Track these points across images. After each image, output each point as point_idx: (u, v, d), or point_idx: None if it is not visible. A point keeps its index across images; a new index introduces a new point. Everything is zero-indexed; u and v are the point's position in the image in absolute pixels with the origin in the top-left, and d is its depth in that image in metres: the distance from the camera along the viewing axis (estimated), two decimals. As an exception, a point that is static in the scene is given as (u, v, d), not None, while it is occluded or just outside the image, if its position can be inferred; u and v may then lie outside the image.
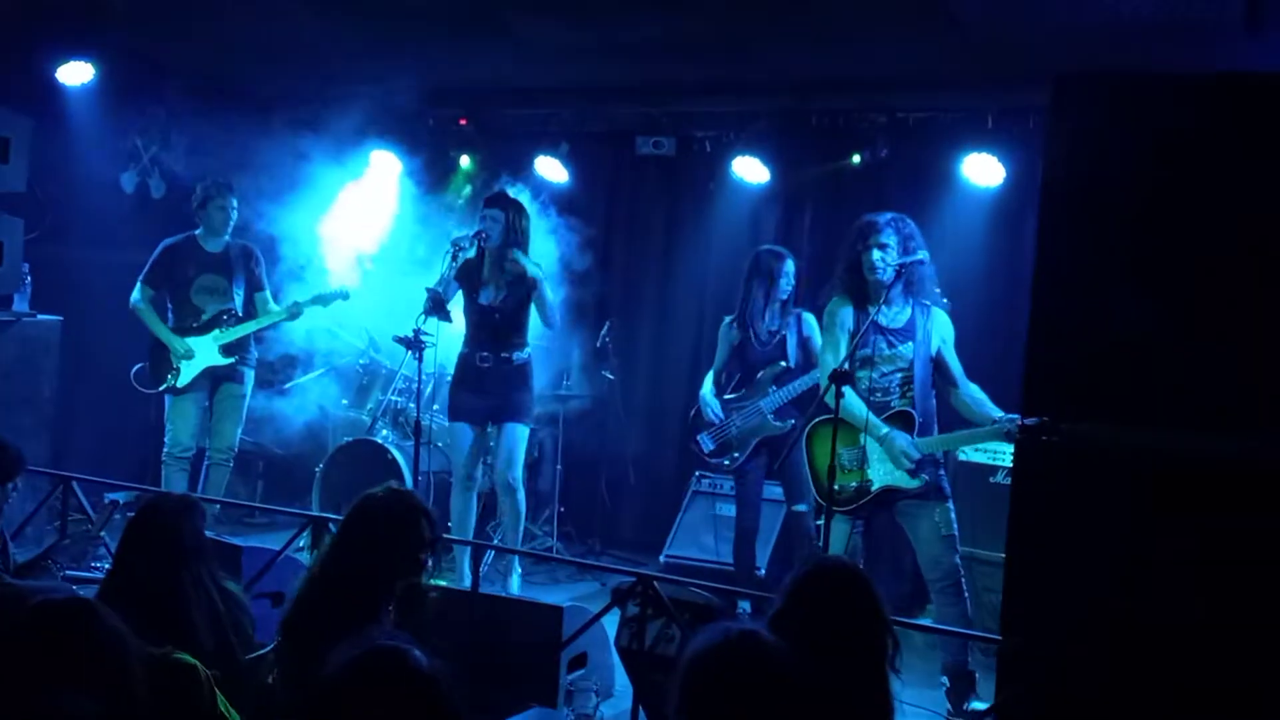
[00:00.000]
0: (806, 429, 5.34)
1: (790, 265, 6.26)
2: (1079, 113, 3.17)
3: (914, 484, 5.07)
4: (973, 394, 5.17)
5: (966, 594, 5.10)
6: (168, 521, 3.52)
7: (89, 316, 7.44)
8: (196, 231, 6.96)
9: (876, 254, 5.09)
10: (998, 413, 5.04)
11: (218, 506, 6.78)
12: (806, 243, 7.63)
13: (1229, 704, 2.88)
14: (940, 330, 5.18)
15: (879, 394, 5.12)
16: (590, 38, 6.62)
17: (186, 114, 7.41)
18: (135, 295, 6.93)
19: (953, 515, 5.11)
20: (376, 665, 2.02)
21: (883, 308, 5.10)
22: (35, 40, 7.10)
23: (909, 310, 5.15)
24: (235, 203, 6.93)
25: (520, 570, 6.60)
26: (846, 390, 4.97)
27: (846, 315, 5.21)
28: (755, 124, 7.52)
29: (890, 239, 5.12)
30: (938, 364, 5.19)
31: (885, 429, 5.08)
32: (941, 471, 5.20)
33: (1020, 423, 3.27)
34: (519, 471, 6.38)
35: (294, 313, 7.04)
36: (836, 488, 5.10)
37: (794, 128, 7.50)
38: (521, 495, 6.42)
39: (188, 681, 2.77)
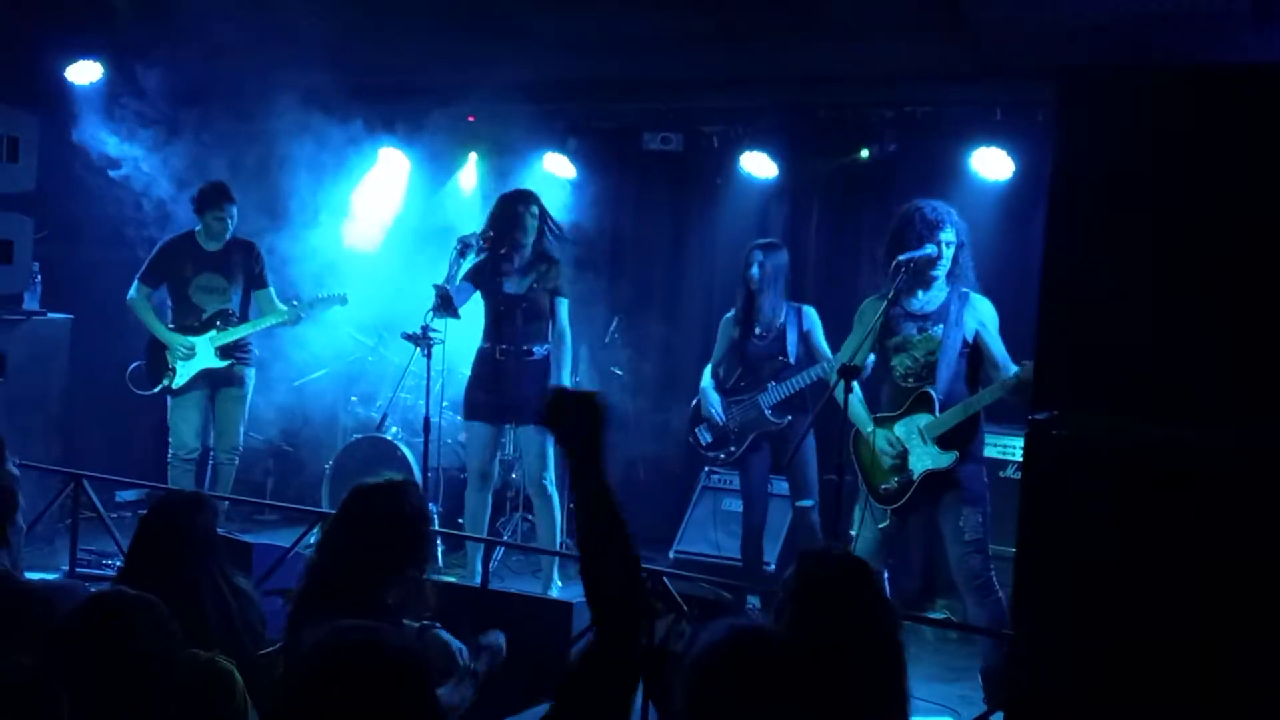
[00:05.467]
0: (851, 434, 5.30)
1: (758, 255, 6.20)
2: (1086, 106, 3.16)
3: (948, 460, 5.00)
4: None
5: (999, 595, 5.01)
6: (179, 519, 3.53)
7: (99, 315, 7.45)
8: (196, 229, 6.94)
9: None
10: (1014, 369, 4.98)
11: (226, 503, 6.79)
12: (815, 237, 7.61)
13: (1239, 700, 2.87)
14: (979, 315, 5.11)
15: (912, 379, 5.12)
16: (597, 33, 6.62)
17: (194, 113, 7.42)
18: (131, 292, 6.91)
19: (979, 519, 5.01)
20: (347, 646, 2.02)
21: (917, 293, 5.09)
22: (43, 39, 7.11)
23: (944, 295, 5.12)
24: (234, 211, 6.86)
25: (559, 581, 6.44)
26: (854, 387, 5.06)
27: (872, 309, 5.21)
28: (763, 119, 7.51)
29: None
30: (976, 349, 5.12)
31: (869, 427, 5.13)
32: (979, 470, 5.12)
33: (1030, 418, 3.26)
34: (551, 474, 6.31)
35: (293, 317, 7.02)
36: (883, 488, 5.11)
37: (802, 123, 7.49)
38: (556, 499, 6.34)
39: (224, 686, 2.80)
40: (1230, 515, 2.90)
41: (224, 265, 6.92)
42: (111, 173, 7.44)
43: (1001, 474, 6.14)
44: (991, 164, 6.79)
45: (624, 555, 2.26)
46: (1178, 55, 5.21)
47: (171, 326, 6.90)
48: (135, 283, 6.92)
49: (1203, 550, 2.92)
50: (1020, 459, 5.63)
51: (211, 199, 6.84)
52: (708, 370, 6.46)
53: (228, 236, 6.91)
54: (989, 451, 6.21)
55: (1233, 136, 2.99)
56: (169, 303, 6.98)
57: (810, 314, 6.27)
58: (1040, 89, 6.10)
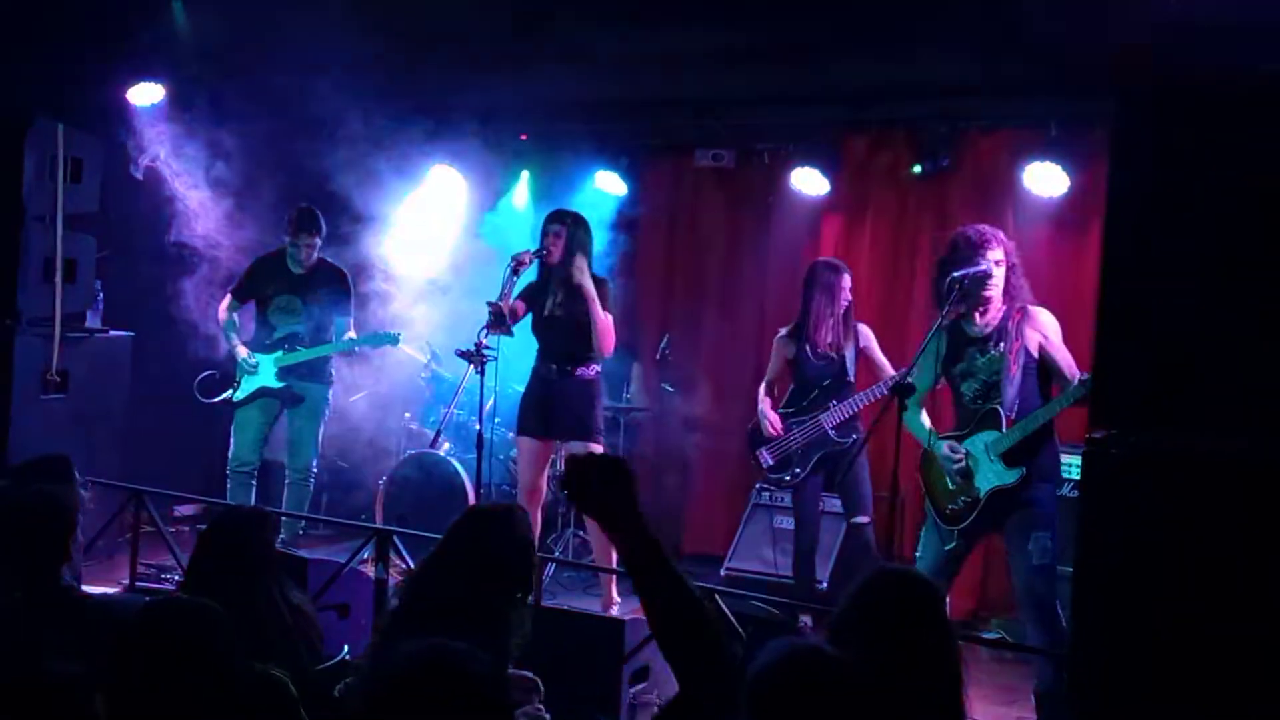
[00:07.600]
0: (921, 456, 5.27)
1: (847, 278, 6.22)
2: (1144, 122, 3.13)
3: (1013, 476, 4.94)
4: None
5: (1062, 619, 4.87)
6: (239, 534, 3.58)
7: (157, 333, 7.57)
8: (289, 247, 7.05)
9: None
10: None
11: (304, 523, 6.89)
12: (867, 254, 7.58)
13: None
14: (1041, 328, 5.05)
15: (980, 400, 5.08)
16: (648, 50, 6.64)
17: (252, 134, 7.52)
18: (224, 305, 7.09)
19: (1048, 543, 4.90)
20: (432, 666, 2.03)
21: (974, 316, 5.07)
22: (106, 62, 7.24)
23: (1002, 314, 5.06)
24: (314, 241, 6.97)
25: (619, 597, 6.38)
26: (911, 406, 5.04)
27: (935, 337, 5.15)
28: (814, 135, 7.49)
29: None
30: (1043, 363, 5.05)
31: (927, 437, 5.11)
32: (1051, 490, 5.04)
33: (1088, 436, 3.22)
34: None
35: (348, 351, 7.09)
36: (949, 509, 5.06)
37: (853, 138, 7.48)
38: None
39: (279, 699, 2.83)
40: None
41: (304, 288, 7.01)
42: (170, 191, 7.56)
43: (1059, 493, 6.05)
44: (1045, 180, 6.73)
45: (708, 636, 2.27)
46: (1242, 71, 5.14)
47: (247, 342, 7.05)
48: (228, 295, 7.12)
49: (1268, 566, 2.88)
50: (1077, 477, 5.57)
51: (293, 225, 6.96)
52: (761, 390, 6.42)
53: (312, 261, 7.01)
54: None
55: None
56: (254, 318, 7.13)
57: (865, 332, 6.24)
58: (1096, 104, 6.05)
